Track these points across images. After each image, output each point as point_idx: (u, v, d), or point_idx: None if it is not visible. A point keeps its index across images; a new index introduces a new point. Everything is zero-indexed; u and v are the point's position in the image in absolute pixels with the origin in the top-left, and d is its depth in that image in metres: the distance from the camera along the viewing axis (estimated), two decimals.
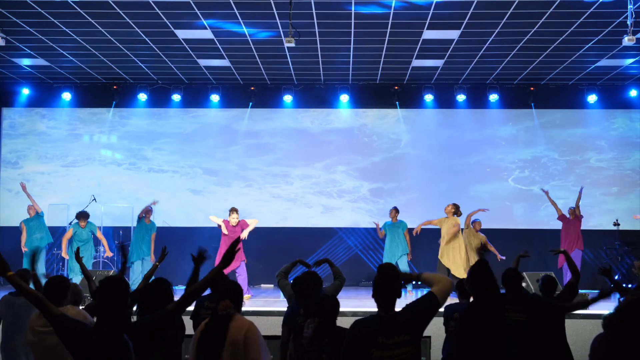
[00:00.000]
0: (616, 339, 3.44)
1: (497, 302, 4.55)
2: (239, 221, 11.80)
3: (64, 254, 12.25)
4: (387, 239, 12.68)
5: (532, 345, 5.89)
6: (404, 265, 12.34)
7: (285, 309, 6.06)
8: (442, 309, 5.81)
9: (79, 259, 5.94)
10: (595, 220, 14.06)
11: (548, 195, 12.69)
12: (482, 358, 4.30)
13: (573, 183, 14.26)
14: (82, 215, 12.07)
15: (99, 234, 12.33)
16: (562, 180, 14.30)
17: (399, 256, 12.45)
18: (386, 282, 3.66)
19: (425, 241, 13.30)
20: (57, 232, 13.50)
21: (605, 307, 9.71)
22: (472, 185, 14.43)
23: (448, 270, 11.68)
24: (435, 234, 12.66)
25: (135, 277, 12.06)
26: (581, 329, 8.32)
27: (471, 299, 5.57)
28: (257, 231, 14.26)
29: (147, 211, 12.42)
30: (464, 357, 4.35)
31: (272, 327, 8.52)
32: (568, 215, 12.62)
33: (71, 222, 12.82)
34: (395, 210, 12.79)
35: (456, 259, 11.71)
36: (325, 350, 4.48)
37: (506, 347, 4.43)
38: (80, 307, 5.35)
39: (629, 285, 12.79)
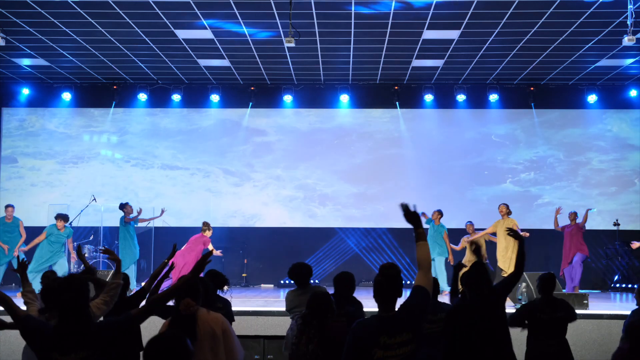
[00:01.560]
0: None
1: (491, 301, 4.58)
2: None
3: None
4: (431, 242, 12.45)
5: (533, 345, 5.89)
6: (440, 267, 12.27)
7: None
8: None
9: (81, 255, 5.93)
10: (594, 220, 14.05)
11: (558, 213, 12.36)
12: (477, 355, 4.32)
13: (572, 183, 14.27)
14: (62, 217, 11.73)
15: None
16: (561, 180, 14.30)
17: (434, 257, 12.32)
18: (388, 282, 3.66)
19: None
20: None
21: (604, 308, 9.73)
22: (472, 185, 14.43)
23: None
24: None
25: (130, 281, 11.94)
26: (581, 329, 8.32)
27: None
28: (257, 231, 14.31)
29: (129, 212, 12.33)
30: (458, 356, 4.36)
31: (272, 327, 8.53)
32: (569, 221, 12.49)
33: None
34: (439, 212, 12.51)
35: (509, 254, 11.60)
36: (312, 341, 4.52)
37: (501, 345, 4.44)
38: None
39: (629, 286, 12.82)
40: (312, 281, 6.11)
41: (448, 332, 4.54)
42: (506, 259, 11.41)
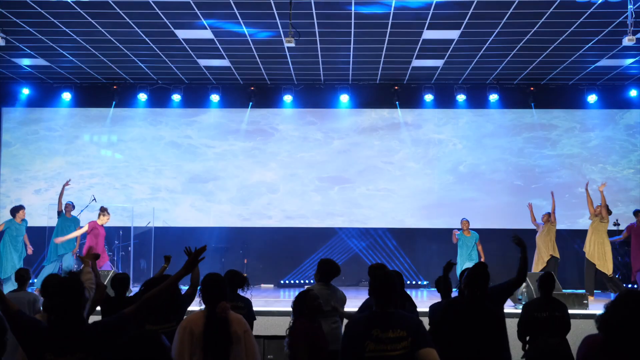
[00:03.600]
0: (612, 340, 2.86)
1: (481, 300, 4.62)
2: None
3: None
4: (460, 251, 12.44)
5: (533, 344, 5.90)
6: None
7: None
8: (426, 309, 5.88)
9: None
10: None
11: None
12: (467, 353, 4.36)
13: (572, 183, 14.26)
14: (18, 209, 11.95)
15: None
16: (562, 180, 14.30)
17: (465, 263, 12.19)
18: (377, 282, 3.82)
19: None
20: None
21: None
22: (472, 185, 14.42)
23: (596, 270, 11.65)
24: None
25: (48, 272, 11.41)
26: (581, 329, 8.30)
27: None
28: (257, 231, 14.31)
29: (67, 205, 12.22)
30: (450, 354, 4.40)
31: (272, 327, 8.53)
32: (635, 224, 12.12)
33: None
34: (467, 222, 12.52)
35: (603, 255, 11.64)
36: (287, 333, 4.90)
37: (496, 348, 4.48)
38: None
39: (629, 286, 12.81)
40: (311, 281, 6.14)
41: (440, 329, 4.60)
42: (601, 257, 11.57)
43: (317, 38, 11.22)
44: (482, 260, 12.11)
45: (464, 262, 12.23)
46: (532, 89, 14.18)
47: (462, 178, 14.43)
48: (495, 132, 14.54)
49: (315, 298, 5.04)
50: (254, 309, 9.03)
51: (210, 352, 4.27)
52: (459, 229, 12.56)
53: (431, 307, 5.82)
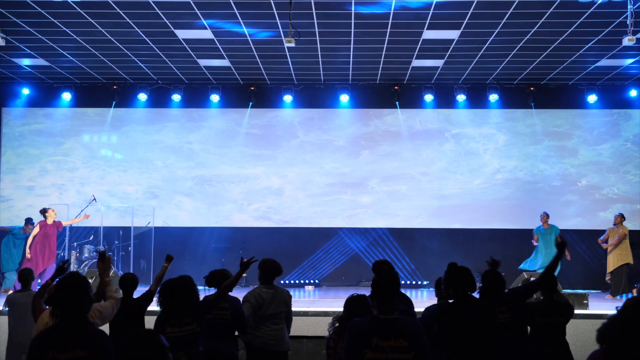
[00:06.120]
0: (615, 353, 2.85)
1: (481, 302, 4.55)
2: (54, 220, 11.90)
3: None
4: (541, 245, 12.43)
5: (532, 345, 5.88)
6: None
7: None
8: (421, 310, 5.78)
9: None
10: (595, 220, 14.06)
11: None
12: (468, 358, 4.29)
13: (574, 183, 14.26)
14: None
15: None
16: (562, 180, 14.30)
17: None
18: (383, 279, 3.67)
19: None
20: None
21: (604, 308, 9.74)
22: (473, 186, 14.41)
23: None
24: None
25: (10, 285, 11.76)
26: (581, 329, 8.32)
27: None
28: (257, 231, 14.31)
29: (27, 224, 12.41)
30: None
31: None
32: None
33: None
34: (546, 215, 12.57)
35: None
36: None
37: (492, 347, 4.42)
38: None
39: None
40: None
41: (443, 335, 4.53)
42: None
43: (317, 38, 11.22)
44: (568, 257, 12.02)
45: (543, 256, 12.17)
46: (532, 89, 14.18)
47: (463, 177, 14.41)
48: (496, 132, 14.52)
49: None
50: None
51: None
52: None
53: (427, 309, 5.70)
